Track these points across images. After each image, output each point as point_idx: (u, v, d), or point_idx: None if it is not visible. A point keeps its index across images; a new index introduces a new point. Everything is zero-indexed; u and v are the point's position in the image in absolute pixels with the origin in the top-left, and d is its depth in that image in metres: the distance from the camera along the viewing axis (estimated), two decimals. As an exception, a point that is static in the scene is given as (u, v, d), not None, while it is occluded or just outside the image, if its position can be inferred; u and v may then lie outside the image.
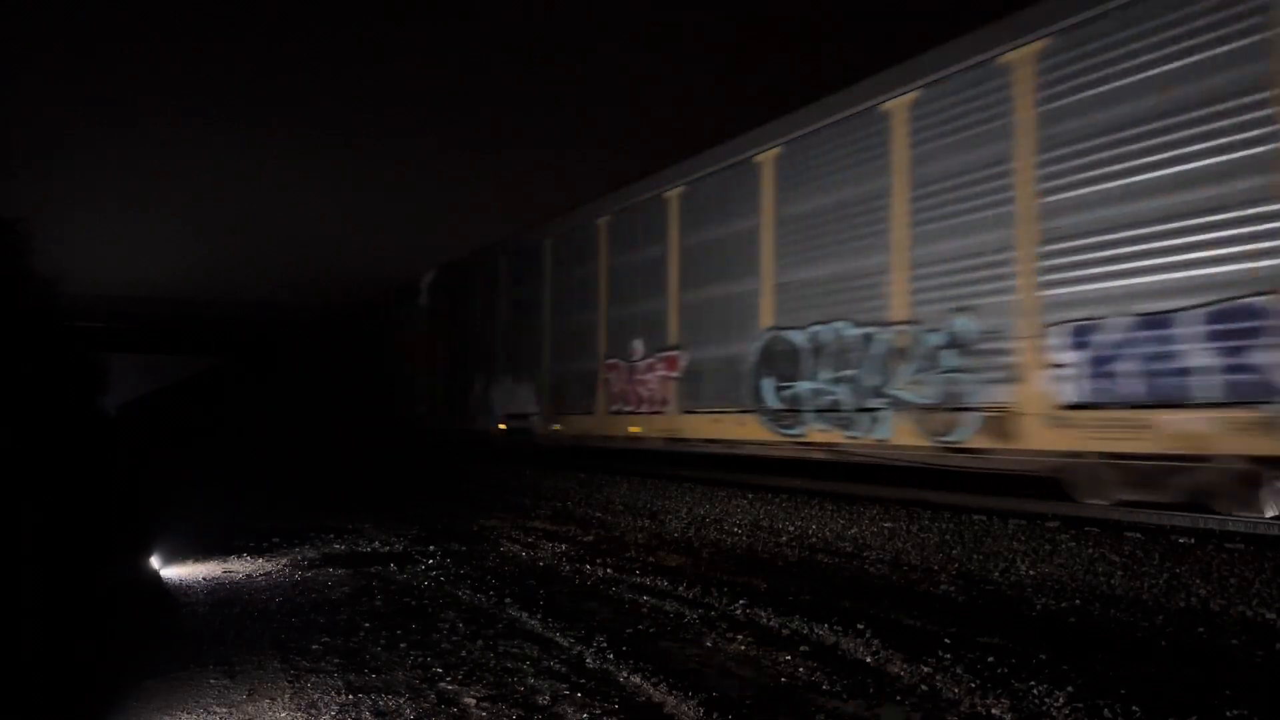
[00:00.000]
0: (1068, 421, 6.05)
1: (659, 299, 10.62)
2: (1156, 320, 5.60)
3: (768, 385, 8.74)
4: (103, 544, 5.16)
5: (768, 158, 9.05)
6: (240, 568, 6.83)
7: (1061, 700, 3.54)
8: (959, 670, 3.95)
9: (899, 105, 7.54)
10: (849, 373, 7.83)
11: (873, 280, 7.69)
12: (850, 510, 8.00)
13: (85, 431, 5.69)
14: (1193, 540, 5.88)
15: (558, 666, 4.15)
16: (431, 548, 7.72)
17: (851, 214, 7.97)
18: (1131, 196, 5.78)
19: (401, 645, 4.52)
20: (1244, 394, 5.16)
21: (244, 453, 23.74)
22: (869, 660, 4.21)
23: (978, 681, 3.80)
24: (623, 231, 11.53)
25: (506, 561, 7.09)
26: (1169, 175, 5.59)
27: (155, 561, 6.73)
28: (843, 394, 7.87)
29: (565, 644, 4.55)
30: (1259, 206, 5.15)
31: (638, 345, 10.97)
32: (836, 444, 8.00)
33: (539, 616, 5.11)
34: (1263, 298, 5.10)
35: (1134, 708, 3.45)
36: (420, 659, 4.27)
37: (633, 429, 10.91)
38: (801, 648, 4.42)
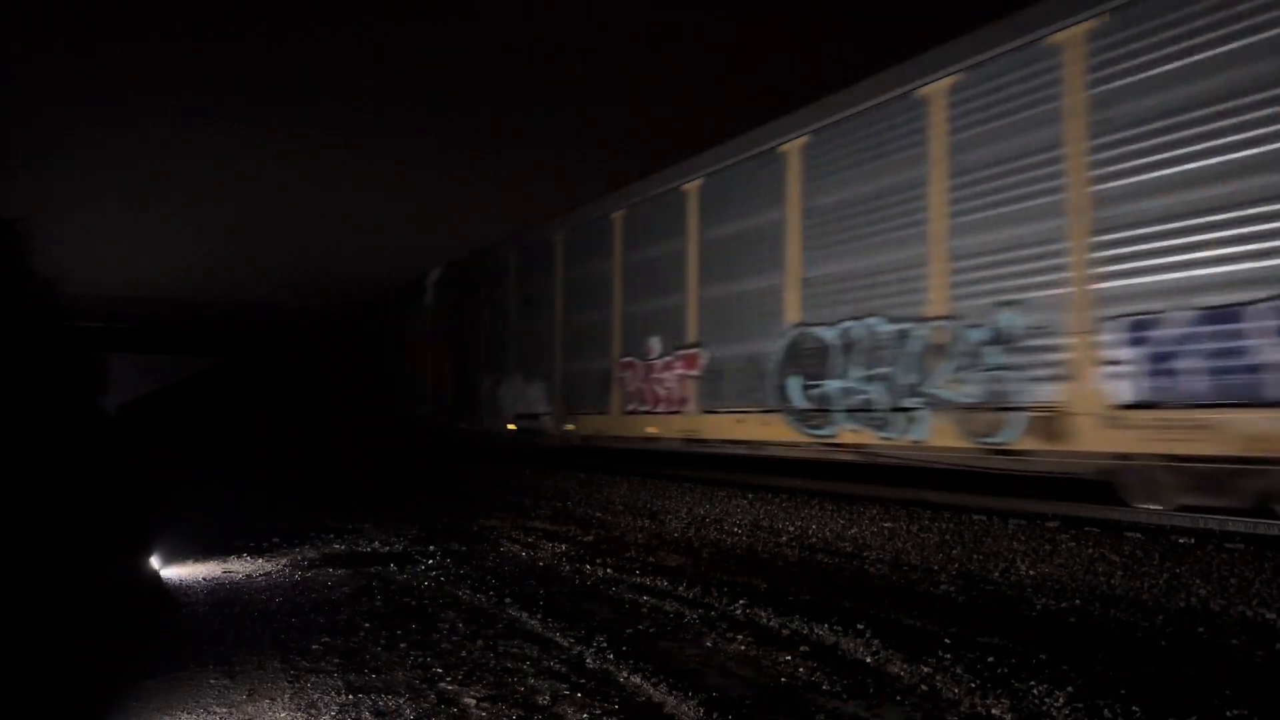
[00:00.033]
0: (1124, 422, 5.75)
1: (677, 295, 10.30)
2: (1223, 314, 5.29)
3: (794, 384, 8.44)
4: (103, 544, 5.16)
5: (794, 147, 8.68)
6: (240, 568, 6.83)
7: (1061, 700, 3.54)
8: (959, 670, 3.95)
9: (937, 90, 7.20)
10: (882, 371, 7.50)
11: (908, 274, 7.35)
12: (850, 510, 8.00)
13: (85, 431, 5.69)
14: (1193, 540, 5.88)
15: (558, 666, 4.15)
16: (431, 548, 7.72)
17: (885, 205, 7.62)
18: (1193, 183, 5.46)
19: (401, 645, 4.52)
20: None
21: (244, 453, 23.74)
22: (869, 660, 4.21)
23: (978, 681, 3.80)
24: (638, 226, 11.20)
25: (506, 561, 7.09)
26: (1236, 160, 5.28)
27: (155, 561, 6.73)
28: (876, 393, 7.55)
29: (565, 644, 4.55)
30: None
31: (654, 343, 10.67)
32: (869, 445, 7.68)
33: (539, 616, 5.11)
34: None
35: (1134, 708, 3.45)
36: (420, 659, 4.27)
37: (649, 429, 10.64)
38: (801, 648, 4.42)
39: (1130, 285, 5.78)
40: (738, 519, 8.68)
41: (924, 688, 3.81)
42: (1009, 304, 6.51)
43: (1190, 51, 5.55)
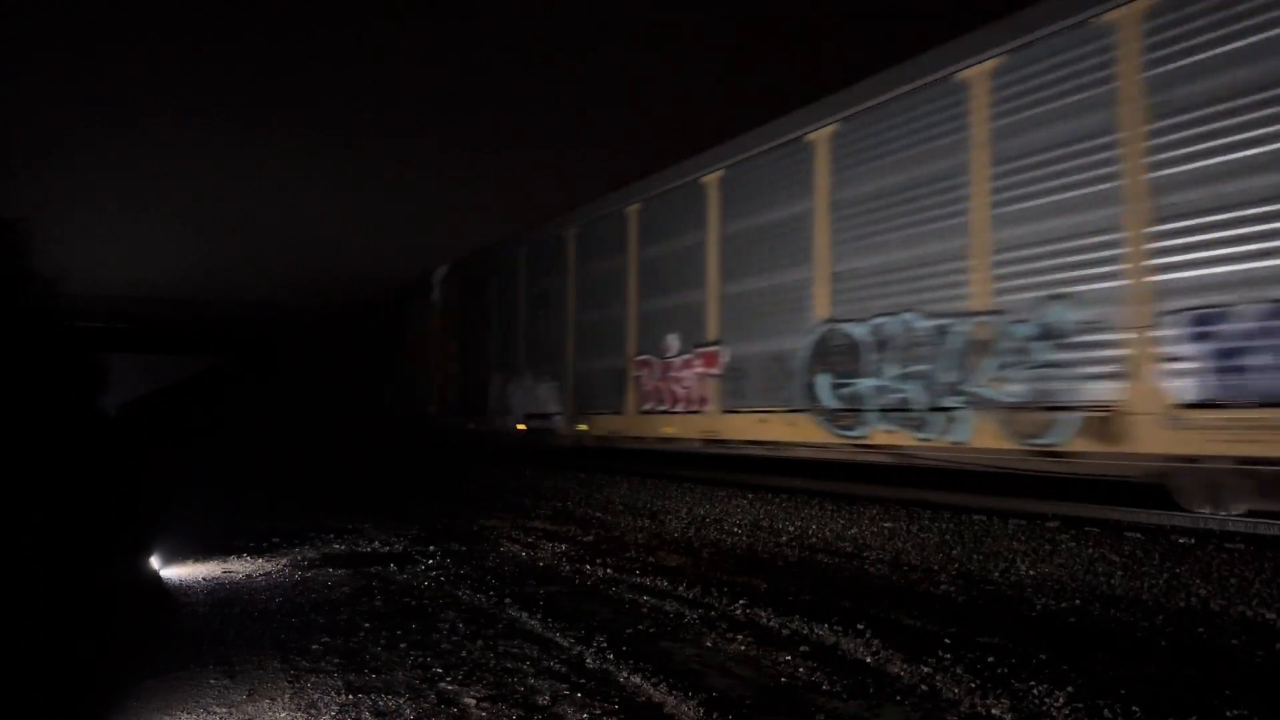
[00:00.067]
0: (1187, 422, 5.42)
1: (696, 291, 9.97)
2: None
3: (823, 383, 8.08)
4: (103, 544, 5.16)
5: (822, 136, 8.32)
6: (240, 568, 6.83)
7: (1061, 700, 3.54)
8: (959, 670, 3.95)
9: (978, 74, 6.84)
10: (919, 368, 7.14)
11: (947, 267, 6.98)
12: (850, 510, 7.99)
13: (85, 431, 5.69)
14: (1193, 540, 5.87)
15: (558, 666, 4.15)
16: (431, 548, 7.72)
17: (921, 195, 7.25)
18: (1264, 168, 5.13)
19: (401, 645, 4.52)
20: None
21: (244, 453, 23.74)
22: (869, 660, 4.21)
23: (978, 681, 3.80)
24: (655, 220, 10.85)
25: (506, 561, 7.09)
26: None
27: (155, 561, 6.73)
28: (912, 392, 7.18)
29: (565, 644, 4.55)
30: None
31: (672, 341, 10.35)
32: (904, 447, 7.34)
33: (539, 616, 5.11)
34: None
35: (1134, 708, 3.45)
36: (420, 659, 4.27)
37: (667, 429, 10.32)
38: (801, 648, 4.42)
39: (1194, 277, 5.44)
40: (738, 519, 8.68)
41: (924, 688, 3.81)
42: (1059, 298, 6.18)
43: (1265, 27, 5.21)
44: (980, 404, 6.66)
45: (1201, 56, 5.48)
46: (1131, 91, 5.84)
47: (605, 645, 4.45)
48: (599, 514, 9.81)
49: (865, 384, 7.65)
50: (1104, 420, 5.88)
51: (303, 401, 26.56)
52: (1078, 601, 5.26)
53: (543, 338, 13.47)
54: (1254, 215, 5.18)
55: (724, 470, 11.21)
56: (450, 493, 12.92)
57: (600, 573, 6.48)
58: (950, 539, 6.82)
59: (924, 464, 7.53)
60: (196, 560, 7.15)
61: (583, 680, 3.94)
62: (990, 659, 4.13)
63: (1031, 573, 5.96)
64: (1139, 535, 6.17)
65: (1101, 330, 5.92)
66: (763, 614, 5.09)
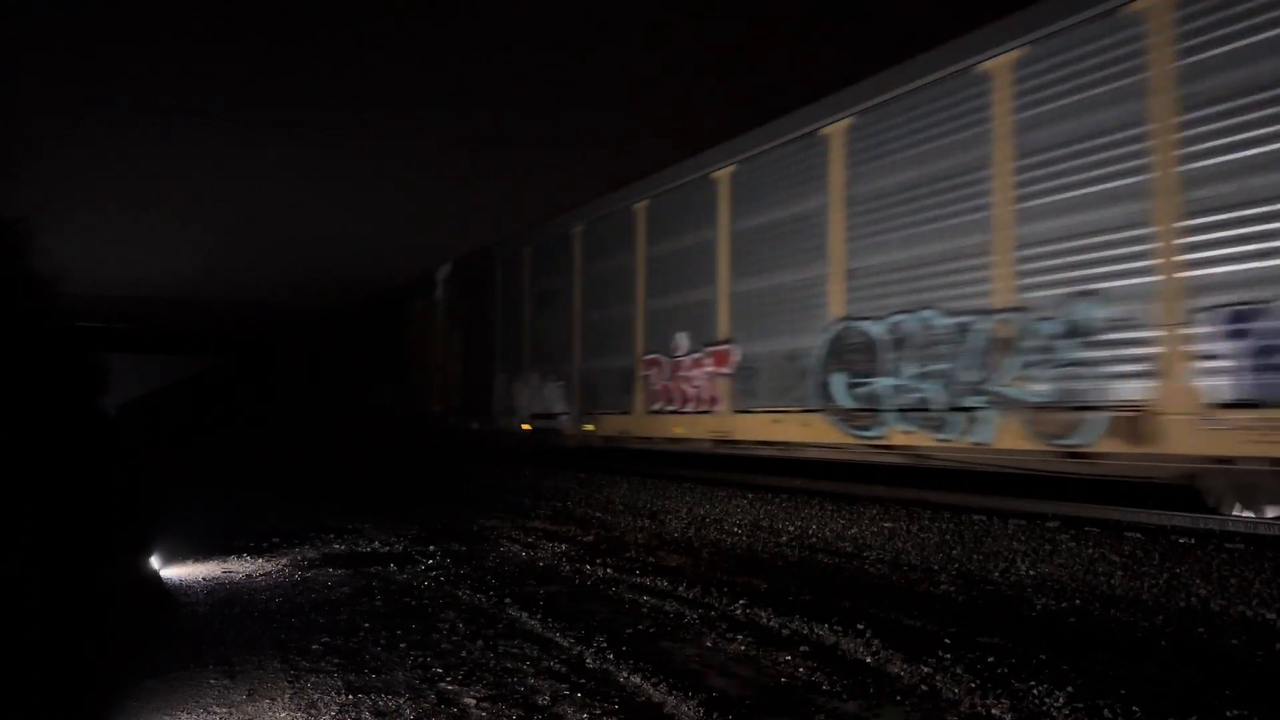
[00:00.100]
0: (1222, 422, 5.28)
1: (706, 289, 9.77)
2: None
3: (838, 382, 7.90)
4: (103, 544, 5.16)
5: (837, 130, 8.13)
6: (240, 568, 6.83)
7: (1061, 700, 3.54)
8: (959, 670, 3.95)
9: (1000, 65, 6.68)
10: (939, 367, 6.97)
11: (968, 263, 6.81)
12: (850, 510, 7.99)
13: (85, 431, 5.69)
14: (1193, 540, 5.87)
15: (558, 666, 4.15)
16: (431, 548, 7.72)
17: (941, 190, 7.08)
18: None
19: (401, 645, 4.52)
20: None
21: (244, 453, 23.75)
22: (869, 660, 4.21)
23: (978, 681, 3.80)
24: (663, 217, 10.67)
25: (506, 561, 7.09)
26: None
27: (155, 561, 6.73)
28: (932, 391, 7.01)
29: (565, 644, 4.55)
30: None
31: (682, 340, 10.17)
32: (922, 448, 7.18)
33: (539, 616, 5.11)
34: None
35: (1134, 708, 3.45)
36: (420, 659, 4.27)
37: (676, 430, 10.15)
38: (801, 648, 4.42)
39: (1230, 273, 5.27)
40: (738, 519, 8.68)
41: (924, 688, 3.81)
42: (1086, 294, 6.02)
43: None
44: (1003, 404, 6.50)
45: (1235, 45, 5.35)
46: (1162, 82, 5.68)
47: (605, 645, 4.45)
48: (599, 514, 9.81)
49: (882, 383, 7.47)
50: (1133, 420, 5.74)
51: (303, 401, 26.56)
52: (1078, 601, 5.26)
53: (548, 337, 13.28)
54: None
55: (724, 470, 11.19)
56: (450, 493, 12.92)
57: (600, 573, 6.48)
58: (950, 539, 6.82)
59: (943, 465, 7.36)
60: (196, 560, 7.15)
61: (583, 680, 3.94)
62: (990, 659, 4.13)
63: (1031, 573, 5.96)
64: (1139, 535, 6.17)
65: (1131, 328, 5.77)
66: (763, 614, 5.09)
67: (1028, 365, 6.35)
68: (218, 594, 5.87)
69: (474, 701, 3.66)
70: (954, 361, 6.87)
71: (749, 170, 9.31)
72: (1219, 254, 5.35)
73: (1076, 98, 6.17)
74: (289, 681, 3.95)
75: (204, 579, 6.41)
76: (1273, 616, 4.74)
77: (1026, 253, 6.43)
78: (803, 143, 8.57)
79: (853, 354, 7.82)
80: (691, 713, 3.51)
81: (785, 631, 4.76)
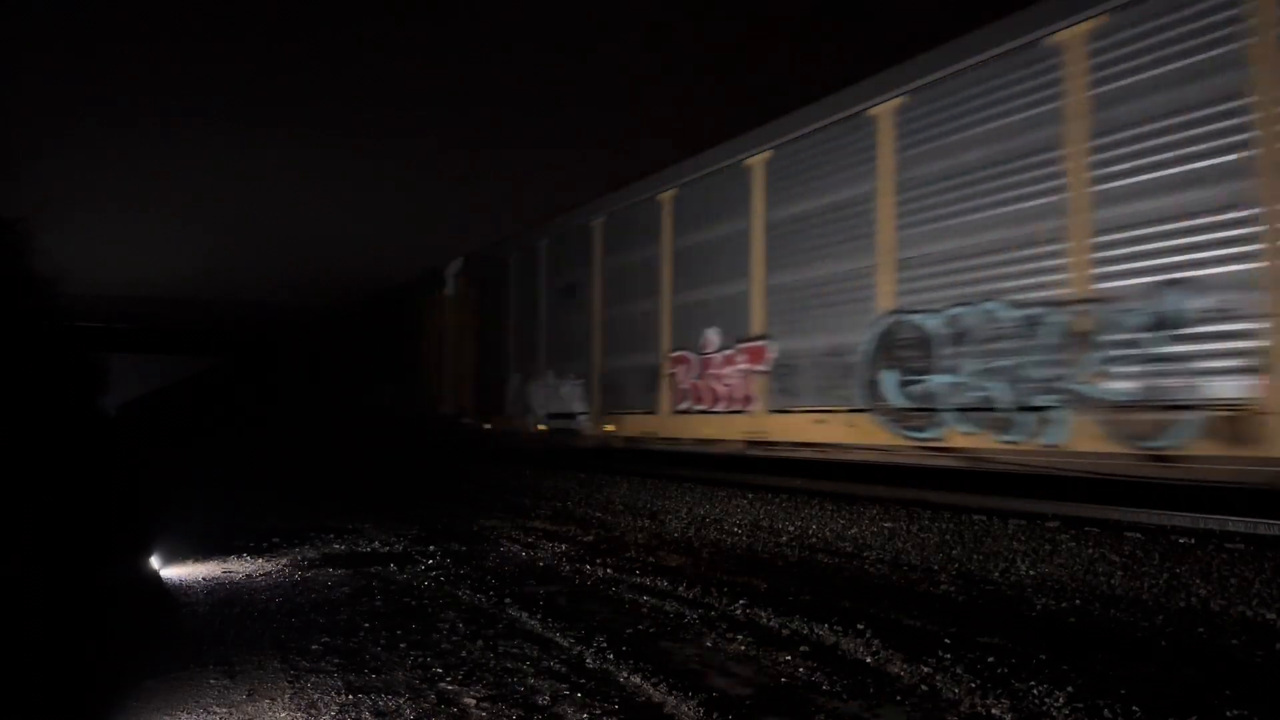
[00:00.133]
0: None
1: (738, 282, 9.28)
2: None
3: (889, 379, 7.43)
4: (103, 544, 5.16)
5: (886, 109, 7.62)
6: (240, 568, 6.84)
7: (1061, 700, 3.54)
8: (959, 670, 3.95)
9: (1073, 37, 6.18)
10: (1004, 364, 6.50)
11: (1038, 251, 6.34)
12: (850, 510, 7.99)
13: (85, 431, 5.69)
14: (1193, 540, 5.87)
15: (558, 666, 4.16)
16: (431, 548, 7.72)
17: (1005, 173, 6.61)
18: None
19: (401, 645, 4.52)
20: None
21: (244, 453, 23.75)
22: (869, 660, 4.21)
23: (978, 681, 3.80)
24: (692, 206, 10.13)
25: (506, 561, 7.09)
26: None
27: (155, 561, 6.74)
28: (996, 390, 6.54)
29: (565, 644, 4.55)
30: None
31: (712, 335, 9.68)
32: (985, 450, 6.73)
33: (539, 616, 5.11)
34: None
35: (1134, 708, 3.45)
36: (420, 659, 4.27)
37: (706, 431, 9.71)
38: (801, 648, 4.43)
39: None
40: (738, 519, 8.68)
41: (924, 688, 3.81)
42: (1175, 283, 5.52)
43: None
44: (1080, 403, 6.03)
45: None
46: (1267, 50, 5.15)
47: (605, 645, 4.45)
48: (599, 514, 9.82)
49: (939, 381, 6.98)
50: (1232, 420, 5.30)
51: (303, 402, 26.55)
52: (1078, 601, 5.26)
53: (566, 333, 12.81)
54: None
55: (724, 470, 11.18)
56: (450, 493, 12.92)
57: (600, 573, 6.48)
58: (950, 539, 6.82)
59: (1007, 469, 6.94)
60: (196, 560, 7.15)
61: (583, 680, 3.94)
62: (990, 659, 4.13)
63: (1031, 573, 5.96)
64: (1139, 535, 6.16)
65: (1229, 319, 5.31)
66: (763, 614, 5.09)
67: (1108, 361, 5.87)
68: (218, 594, 5.87)
69: (474, 701, 3.66)
70: (1022, 357, 6.41)
71: (787, 155, 8.80)
72: None
73: (1161, 70, 5.65)
74: (289, 681, 3.95)
75: (204, 579, 6.41)
76: (1273, 616, 4.74)
77: (1105, 239, 5.94)
78: (848, 124, 8.06)
79: (905, 349, 7.33)
80: (691, 713, 3.51)
81: (785, 631, 4.76)
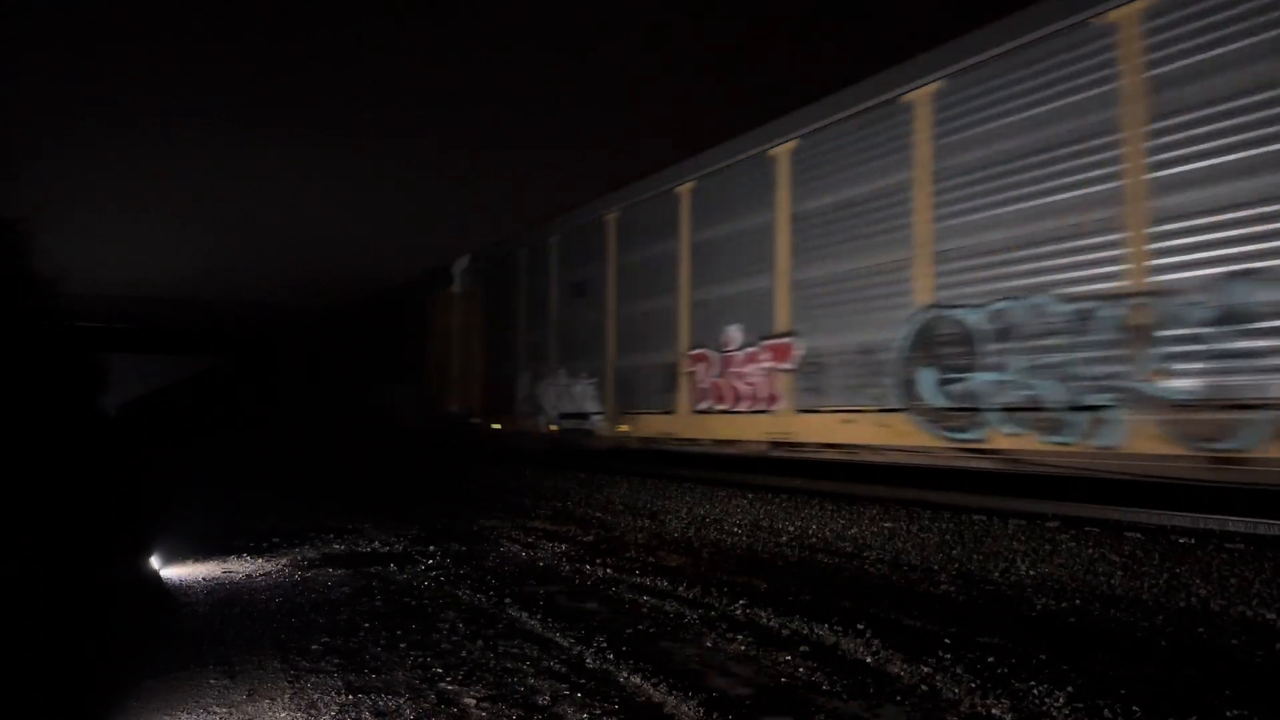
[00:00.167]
0: None
1: (762, 277, 8.99)
2: None
3: (927, 377, 7.10)
4: (103, 544, 5.16)
5: (923, 95, 7.32)
6: (240, 568, 6.84)
7: (1061, 700, 3.54)
8: (959, 670, 3.96)
9: (1128, 14, 5.86)
10: (1054, 360, 6.16)
11: (1090, 242, 6.02)
12: (850, 510, 8.00)
13: (85, 431, 5.69)
14: (1193, 540, 5.87)
15: (558, 666, 4.16)
16: (431, 548, 7.72)
17: (1054, 160, 6.29)
18: None
19: (401, 645, 4.52)
20: None
21: (244, 453, 23.75)
22: (869, 660, 4.21)
23: (978, 681, 3.80)
24: (711, 199, 9.81)
25: (506, 561, 7.09)
26: None
27: (155, 561, 6.74)
28: (1045, 388, 6.21)
29: (565, 644, 4.55)
30: None
31: (734, 332, 9.36)
32: (1032, 452, 6.42)
33: (539, 616, 5.11)
34: None
35: (1134, 708, 3.45)
36: (420, 659, 4.27)
37: (727, 431, 9.43)
38: (801, 648, 4.43)
39: None
40: (738, 519, 8.68)
41: (924, 688, 3.81)
42: (1244, 274, 5.19)
43: None
44: (1138, 401, 5.71)
45: None
46: None
47: (605, 645, 4.45)
48: (599, 514, 9.82)
49: (982, 378, 6.64)
50: None
51: (303, 402, 26.55)
52: (1078, 601, 5.27)
53: (578, 331, 12.46)
54: None
55: (723, 470, 11.16)
56: (450, 493, 12.92)
57: (600, 573, 6.48)
58: (950, 539, 6.82)
59: (1055, 472, 6.68)
60: (196, 560, 7.15)
61: (583, 680, 3.94)
62: (990, 659, 4.13)
63: (1031, 573, 5.96)
64: (1139, 535, 6.17)
65: None
66: (763, 614, 5.09)
67: (1169, 358, 5.53)
68: (218, 594, 5.87)
69: (474, 701, 3.66)
70: (1073, 354, 6.08)
71: (813, 145, 8.47)
72: None
73: (1231, 47, 5.31)
74: (289, 681, 3.95)
75: (204, 579, 6.41)
76: (1273, 616, 4.74)
77: (1165, 229, 5.62)
78: (879, 112, 7.73)
79: (944, 346, 6.98)
80: (691, 713, 3.51)
81: (785, 631, 4.76)
